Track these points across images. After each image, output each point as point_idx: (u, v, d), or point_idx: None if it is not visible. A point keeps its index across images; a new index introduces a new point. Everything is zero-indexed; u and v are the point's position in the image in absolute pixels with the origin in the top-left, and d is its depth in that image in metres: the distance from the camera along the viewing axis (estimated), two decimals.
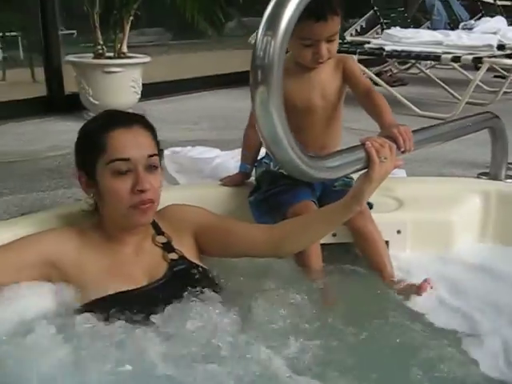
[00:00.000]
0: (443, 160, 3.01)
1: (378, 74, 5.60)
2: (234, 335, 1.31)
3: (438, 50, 4.25)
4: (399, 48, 4.33)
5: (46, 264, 1.45)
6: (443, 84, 5.02)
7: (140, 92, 4.03)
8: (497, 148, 2.26)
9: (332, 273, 1.76)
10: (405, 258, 1.87)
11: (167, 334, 1.31)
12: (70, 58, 3.97)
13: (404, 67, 6.07)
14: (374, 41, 4.71)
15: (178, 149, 2.69)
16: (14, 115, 4.00)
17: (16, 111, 4.06)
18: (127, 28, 3.91)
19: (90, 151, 1.46)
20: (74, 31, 5.65)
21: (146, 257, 1.53)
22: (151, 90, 4.46)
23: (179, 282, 1.47)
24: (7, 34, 5.25)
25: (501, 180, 2.29)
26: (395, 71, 6.06)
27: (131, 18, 3.89)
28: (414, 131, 1.70)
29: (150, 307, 1.39)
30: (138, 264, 1.51)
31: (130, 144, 1.44)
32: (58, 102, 4.25)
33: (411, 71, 6.16)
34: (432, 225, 1.94)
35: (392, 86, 5.37)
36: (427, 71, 5.62)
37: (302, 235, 1.64)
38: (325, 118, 1.84)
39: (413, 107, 4.09)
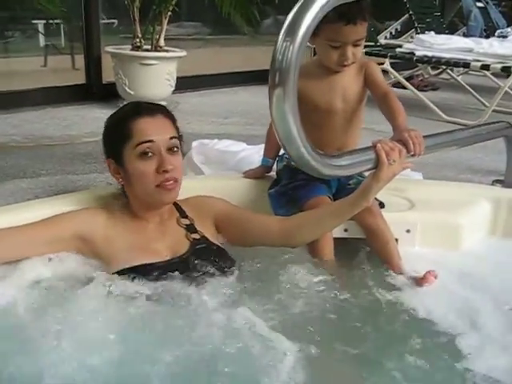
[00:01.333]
0: (462, 166, 3.09)
1: (409, 78, 5.64)
2: (247, 311, 1.44)
3: (469, 57, 4.31)
4: (430, 53, 4.40)
5: (78, 238, 1.63)
6: (472, 91, 5.05)
7: (174, 84, 4.17)
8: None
9: (342, 264, 1.87)
10: (412, 255, 1.96)
11: (185, 304, 1.47)
12: (109, 49, 4.13)
13: (435, 72, 6.08)
14: (406, 45, 4.77)
15: (205, 141, 2.80)
16: (54, 100, 4.19)
17: (56, 97, 4.24)
18: (165, 22, 4.05)
19: (118, 138, 1.63)
20: (115, 21, 5.81)
21: (170, 235, 1.69)
22: (185, 83, 4.59)
23: (200, 258, 1.63)
24: (50, 21, 5.42)
25: None
26: (427, 76, 6.09)
27: (169, 12, 4.03)
28: (425, 136, 1.80)
29: (172, 279, 1.55)
30: (162, 241, 1.67)
31: (153, 129, 1.61)
32: (95, 89, 4.43)
33: (443, 76, 6.19)
34: (440, 226, 2.03)
35: (422, 91, 5.39)
36: (459, 77, 5.65)
37: (314, 227, 1.79)
38: (344, 120, 1.95)
39: (439, 112, 4.16)
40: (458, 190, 2.28)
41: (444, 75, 6.13)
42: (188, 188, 1.81)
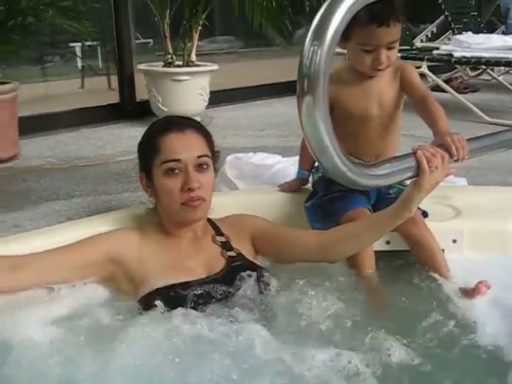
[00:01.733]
0: (509, 169, 2.94)
1: (448, 81, 5.49)
2: (278, 333, 1.38)
3: (510, 55, 4.15)
4: (469, 54, 4.25)
5: (110, 261, 1.58)
6: None
7: (208, 99, 4.14)
8: None
9: (385, 279, 1.77)
10: (461, 265, 1.85)
11: (222, 323, 1.40)
12: (141, 66, 4.13)
13: (475, 73, 5.92)
14: (443, 47, 4.63)
15: (240, 155, 2.74)
16: (89, 121, 4.22)
17: (91, 117, 4.27)
18: (196, 37, 4.04)
19: (148, 153, 1.61)
20: (151, 40, 5.85)
21: (205, 253, 1.64)
22: (219, 97, 4.57)
23: (236, 276, 1.57)
24: (87, 43, 5.50)
25: None
26: (466, 78, 5.92)
27: (200, 27, 4.00)
28: (468, 139, 1.69)
29: (208, 297, 1.51)
30: (197, 258, 1.62)
31: (181, 146, 1.57)
32: (129, 108, 4.45)
33: (483, 77, 6.01)
34: (489, 235, 1.91)
35: (462, 93, 5.25)
36: (500, 77, 5.48)
37: (351, 241, 1.70)
38: (381, 127, 1.85)
39: (481, 114, 4.01)
40: (506, 194, 2.14)
41: (484, 76, 5.96)
42: (222, 204, 1.77)
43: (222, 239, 1.69)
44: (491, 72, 5.35)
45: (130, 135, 3.79)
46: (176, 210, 1.58)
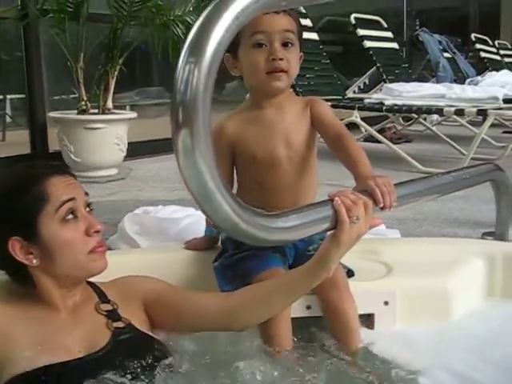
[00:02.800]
0: (446, 219, 2.72)
1: (381, 131, 5.42)
2: None
3: (441, 103, 4.04)
4: (400, 102, 4.12)
5: None
6: (448, 140, 4.79)
7: (125, 149, 3.83)
8: (501, 204, 1.99)
9: (304, 353, 1.47)
10: (393, 334, 1.58)
11: None
12: (52, 114, 3.80)
13: (408, 123, 5.88)
14: (374, 95, 4.51)
15: (149, 208, 2.44)
16: None
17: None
18: (112, 83, 3.75)
19: (27, 207, 1.29)
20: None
21: (85, 325, 1.33)
22: (141, 149, 4.29)
23: (124, 350, 1.28)
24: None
25: (507, 240, 2.01)
26: (399, 128, 5.86)
27: (116, 72, 3.73)
28: (397, 184, 1.44)
29: (88, 380, 1.19)
30: (75, 333, 1.31)
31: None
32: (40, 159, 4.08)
33: (417, 128, 5.96)
34: (426, 294, 1.64)
35: (396, 143, 5.19)
36: (434, 128, 5.43)
37: (261, 305, 1.40)
38: (293, 172, 1.56)
39: (415, 163, 3.84)
40: (444, 247, 1.90)
41: (417, 127, 5.91)
42: (117, 264, 1.47)
43: (108, 307, 1.37)
44: (424, 122, 5.28)
45: None
46: (80, 262, 1.31)
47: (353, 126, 4.35)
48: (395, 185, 1.40)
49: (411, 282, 1.66)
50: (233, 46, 1.48)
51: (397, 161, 4.11)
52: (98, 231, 1.31)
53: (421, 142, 5.63)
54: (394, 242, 1.95)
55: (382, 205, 1.32)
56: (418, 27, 7.75)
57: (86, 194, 1.37)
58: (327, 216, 1.22)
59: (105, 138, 3.63)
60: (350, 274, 1.60)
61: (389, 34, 6.31)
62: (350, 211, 1.23)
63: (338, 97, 5.00)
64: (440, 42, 7.25)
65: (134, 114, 3.83)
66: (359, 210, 1.24)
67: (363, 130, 4.42)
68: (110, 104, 3.78)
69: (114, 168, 3.84)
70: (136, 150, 4.03)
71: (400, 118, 5.93)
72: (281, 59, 1.47)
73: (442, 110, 3.87)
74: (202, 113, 0.93)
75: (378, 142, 4.40)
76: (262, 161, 1.54)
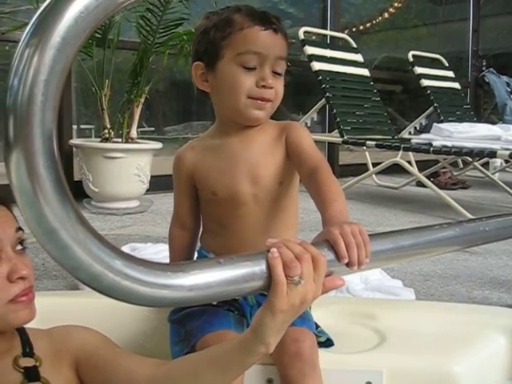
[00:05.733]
0: (481, 278, 2.30)
1: (434, 175, 5.05)
2: None
3: (496, 145, 3.62)
4: (449, 143, 3.73)
5: None
6: (507, 187, 4.33)
7: (147, 182, 3.62)
8: None
9: None
10: None
11: None
12: (73, 141, 3.65)
13: (464, 170, 5.48)
14: (423, 135, 4.14)
15: (138, 245, 2.21)
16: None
17: None
18: (137, 111, 3.57)
19: None
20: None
21: None
22: (165, 182, 4.08)
23: None
24: None
25: None
26: (456, 173, 5.44)
27: (141, 99, 3.55)
28: (379, 234, 1.10)
29: None
30: None
31: None
32: None
33: (477, 174, 5.50)
34: (423, 376, 1.28)
35: (451, 189, 4.82)
36: (496, 175, 5.00)
37: (191, 382, 1.08)
38: (261, 212, 1.25)
39: (462, 210, 3.42)
40: (459, 316, 1.52)
41: (478, 172, 5.47)
42: (66, 306, 1.33)
43: (29, 363, 1.10)
44: (479, 166, 4.85)
45: None
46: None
47: (406, 171, 4.01)
48: (373, 235, 1.07)
49: (406, 358, 1.31)
50: (211, 57, 1.22)
51: (446, 208, 3.72)
52: (22, 278, 1.05)
53: (480, 188, 5.18)
54: (396, 305, 1.59)
55: (346, 260, 0.98)
56: (484, 68, 7.32)
57: (20, 229, 1.11)
58: (261, 272, 0.90)
59: (124, 168, 3.43)
60: (327, 343, 1.28)
61: (449, 74, 5.95)
62: (289, 268, 0.89)
63: (388, 137, 4.68)
64: (508, 84, 6.80)
65: (158, 145, 3.62)
66: (304, 268, 0.91)
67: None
68: (134, 133, 3.60)
69: (136, 200, 3.64)
70: (161, 183, 3.81)
71: (459, 161, 5.52)
72: (270, 88, 1.20)
73: (496, 152, 3.46)
74: (43, 123, 0.65)
75: (424, 186, 4.03)
76: (222, 199, 1.25)
